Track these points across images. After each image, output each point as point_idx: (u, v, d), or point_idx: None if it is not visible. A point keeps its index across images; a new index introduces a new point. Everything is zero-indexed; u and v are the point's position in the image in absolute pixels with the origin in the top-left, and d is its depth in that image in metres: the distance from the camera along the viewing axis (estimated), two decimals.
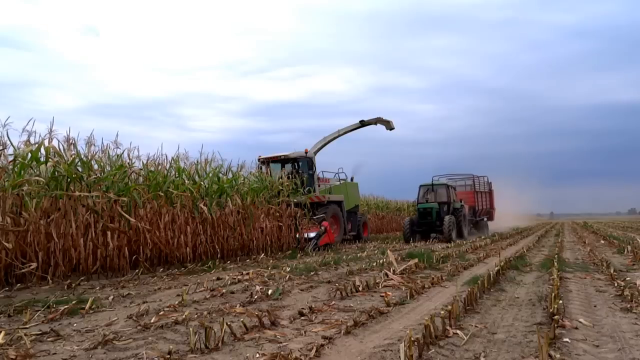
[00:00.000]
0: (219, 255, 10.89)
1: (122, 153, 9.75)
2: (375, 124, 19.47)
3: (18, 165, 7.73)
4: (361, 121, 19.18)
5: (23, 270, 7.01)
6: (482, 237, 21.09)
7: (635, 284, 5.94)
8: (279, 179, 14.45)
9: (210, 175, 12.01)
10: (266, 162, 16.50)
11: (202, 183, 11.28)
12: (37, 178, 7.62)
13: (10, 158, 7.87)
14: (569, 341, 3.60)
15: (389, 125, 19.76)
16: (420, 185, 20.54)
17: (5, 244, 6.78)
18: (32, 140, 8.18)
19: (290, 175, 15.27)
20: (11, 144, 7.91)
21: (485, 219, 26.52)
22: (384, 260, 9.48)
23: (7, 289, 6.67)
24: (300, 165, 16.48)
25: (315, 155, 17.37)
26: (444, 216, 18.79)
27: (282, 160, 16.56)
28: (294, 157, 16.50)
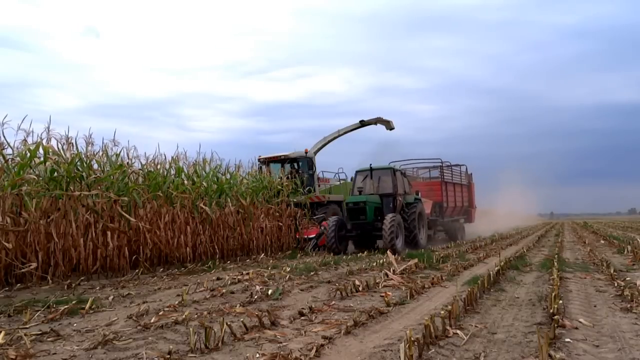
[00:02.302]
0: (219, 255, 10.90)
1: (120, 152, 9.78)
2: (375, 124, 19.32)
3: (17, 165, 7.74)
4: (361, 121, 19.09)
5: (23, 270, 7.01)
6: (454, 243, 16.50)
7: (635, 284, 5.93)
8: (278, 179, 14.46)
9: (210, 175, 12.03)
10: (266, 162, 16.46)
11: (201, 183, 11.29)
12: (31, 176, 7.61)
13: (9, 158, 7.88)
14: (569, 341, 3.59)
15: (388, 125, 19.46)
16: (357, 172, 14.27)
17: (5, 244, 6.78)
18: (30, 140, 8.20)
19: (290, 176, 15.28)
20: (8, 144, 7.91)
21: (461, 220, 20.61)
22: (384, 260, 9.47)
23: (7, 289, 6.67)
24: (300, 165, 16.44)
25: (315, 155, 17.35)
26: (387, 214, 12.78)
27: (282, 160, 16.52)
28: (293, 157, 16.45)
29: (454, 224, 19.26)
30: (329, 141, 18.38)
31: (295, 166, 16.40)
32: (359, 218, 12.98)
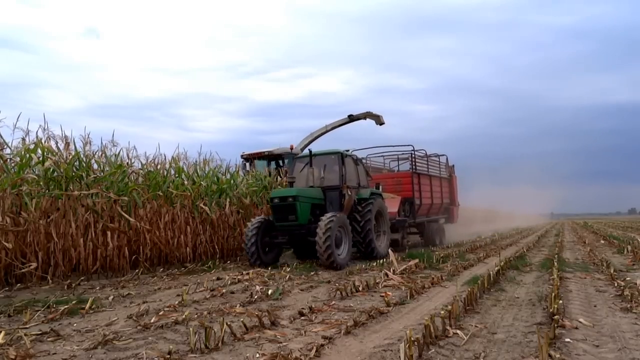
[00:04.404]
0: (219, 255, 10.89)
1: (120, 152, 9.79)
2: (365, 118, 18.21)
3: (16, 165, 7.74)
4: (350, 116, 18.04)
5: (23, 270, 7.01)
6: (436, 247, 14.23)
7: (635, 284, 5.93)
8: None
9: (210, 175, 12.04)
10: (250, 159, 15.77)
11: (201, 183, 11.29)
12: (31, 176, 7.61)
13: (8, 157, 7.87)
14: (569, 341, 3.60)
15: (378, 120, 18.24)
16: (295, 159, 11.66)
17: (5, 244, 6.78)
18: (28, 139, 8.18)
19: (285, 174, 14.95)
20: (6, 143, 7.91)
21: (441, 221, 17.35)
22: (384, 260, 9.48)
23: (7, 289, 6.67)
24: (286, 162, 15.57)
25: (301, 151, 16.88)
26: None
27: (266, 157, 15.76)
28: (278, 153, 15.62)
29: (431, 225, 15.99)
30: (317, 137, 17.42)
31: (280, 163, 15.55)
32: (287, 219, 9.53)
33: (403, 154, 16.54)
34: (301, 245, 10.27)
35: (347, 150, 11.04)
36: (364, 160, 14.75)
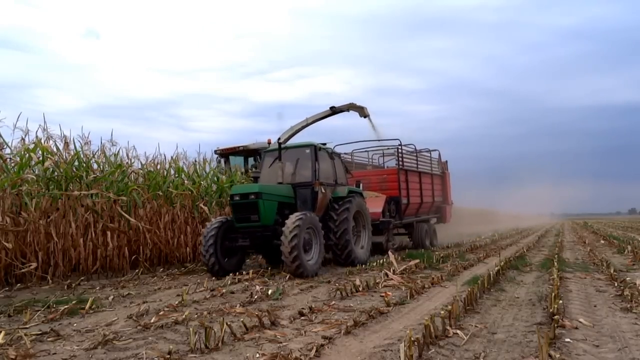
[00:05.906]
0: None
1: (119, 152, 9.80)
2: (348, 110, 17.02)
3: (16, 165, 7.74)
4: (332, 107, 16.92)
5: (23, 270, 7.02)
6: (433, 250, 13.08)
7: (635, 284, 5.93)
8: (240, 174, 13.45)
9: (210, 175, 12.04)
10: (224, 154, 14.94)
11: (201, 183, 11.29)
12: (31, 176, 7.62)
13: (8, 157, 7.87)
14: (569, 341, 3.59)
15: (362, 112, 16.96)
16: (265, 152, 10.03)
17: (5, 244, 6.79)
18: (27, 139, 8.19)
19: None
20: (5, 143, 7.91)
21: (432, 221, 15.88)
22: (384, 260, 9.48)
23: (7, 289, 6.68)
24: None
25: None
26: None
27: (242, 152, 14.96)
28: (254, 148, 14.62)
29: (421, 226, 14.42)
30: (297, 131, 16.39)
31: (258, 159, 14.51)
32: (248, 219, 8.27)
33: (389, 148, 15.16)
34: (266, 250, 9.04)
35: (324, 144, 9.82)
36: (347, 156, 14.11)
